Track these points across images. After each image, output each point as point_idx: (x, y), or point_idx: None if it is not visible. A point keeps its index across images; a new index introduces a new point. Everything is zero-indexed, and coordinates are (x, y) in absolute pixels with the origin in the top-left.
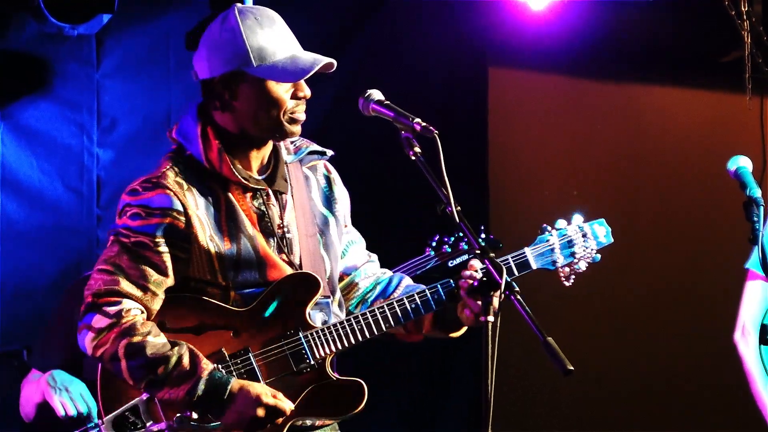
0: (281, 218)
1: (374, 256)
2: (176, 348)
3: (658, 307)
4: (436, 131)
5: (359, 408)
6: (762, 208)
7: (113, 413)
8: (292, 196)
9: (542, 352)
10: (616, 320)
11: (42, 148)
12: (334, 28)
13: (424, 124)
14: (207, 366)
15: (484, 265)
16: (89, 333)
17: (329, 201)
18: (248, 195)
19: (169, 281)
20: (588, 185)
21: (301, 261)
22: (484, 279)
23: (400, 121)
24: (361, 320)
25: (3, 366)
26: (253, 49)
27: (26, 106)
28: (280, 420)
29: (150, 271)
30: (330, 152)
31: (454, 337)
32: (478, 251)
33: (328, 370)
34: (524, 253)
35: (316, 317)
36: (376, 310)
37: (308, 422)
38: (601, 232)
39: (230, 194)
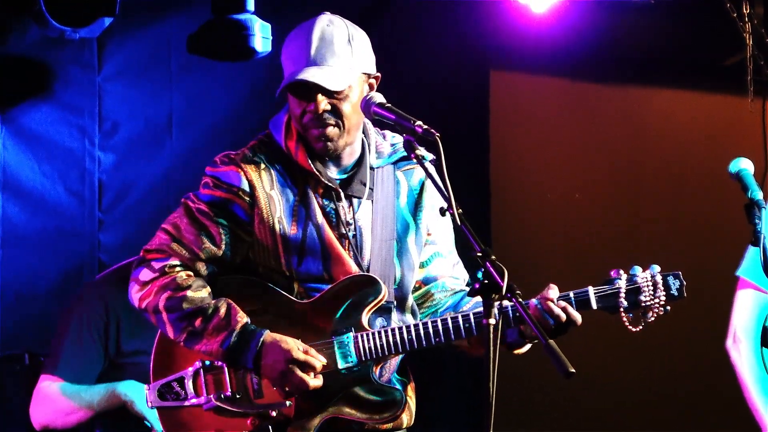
0: (351, 220)
1: (462, 274)
2: (214, 301)
3: None
4: (438, 134)
5: (396, 414)
6: (764, 210)
7: (160, 380)
8: (372, 200)
9: (544, 354)
10: (617, 322)
11: (43, 151)
12: None
13: (425, 126)
14: (242, 319)
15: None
16: (135, 285)
17: (415, 208)
18: (320, 191)
19: (222, 255)
20: (589, 188)
21: (369, 264)
22: (486, 282)
23: (402, 124)
24: (413, 331)
25: (5, 370)
26: (285, 60)
27: (28, 109)
28: (310, 378)
29: (204, 239)
30: (430, 156)
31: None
32: (479, 254)
33: (372, 373)
34: (587, 291)
35: (375, 321)
36: (429, 323)
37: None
38: (675, 284)
39: (307, 184)
